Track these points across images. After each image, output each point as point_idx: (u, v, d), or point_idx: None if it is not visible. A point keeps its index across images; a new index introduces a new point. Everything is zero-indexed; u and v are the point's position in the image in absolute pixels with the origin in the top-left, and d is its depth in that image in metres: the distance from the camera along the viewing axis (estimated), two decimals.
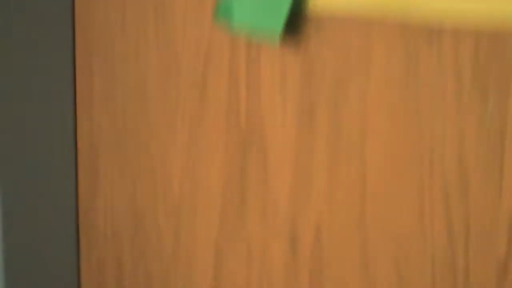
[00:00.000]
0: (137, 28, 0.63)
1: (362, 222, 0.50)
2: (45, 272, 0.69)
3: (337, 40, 0.50)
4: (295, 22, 0.52)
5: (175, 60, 0.61)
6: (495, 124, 0.44)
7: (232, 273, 0.59)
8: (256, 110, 0.56)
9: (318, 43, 0.51)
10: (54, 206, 0.69)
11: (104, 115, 0.68)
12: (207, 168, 0.60)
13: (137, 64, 0.64)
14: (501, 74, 0.43)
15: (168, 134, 0.63)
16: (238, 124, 0.58)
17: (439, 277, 0.46)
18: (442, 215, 0.46)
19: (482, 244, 0.44)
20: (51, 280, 0.70)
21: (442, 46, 0.45)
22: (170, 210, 0.64)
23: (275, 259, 0.56)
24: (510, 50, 0.43)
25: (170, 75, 0.62)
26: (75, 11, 0.68)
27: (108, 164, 0.68)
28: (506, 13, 0.42)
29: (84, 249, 0.70)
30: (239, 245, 0.58)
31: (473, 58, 0.44)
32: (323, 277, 0.53)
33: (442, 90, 0.45)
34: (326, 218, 0.52)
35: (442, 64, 0.45)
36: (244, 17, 0.54)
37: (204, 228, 0.61)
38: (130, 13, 0.64)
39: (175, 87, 0.61)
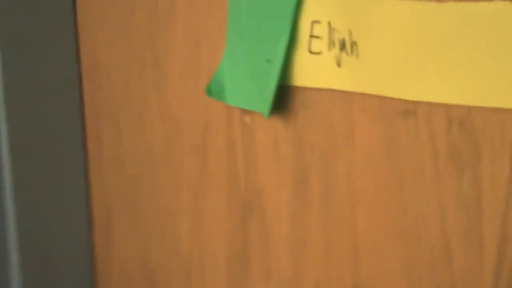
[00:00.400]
0: (140, 99, 0.66)
1: (356, 278, 0.52)
2: None
3: (322, 112, 0.53)
4: (284, 96, 0.54)
5: (177, 129, 0.64)
6: (472, 195, 0.45)
7: None
8: (253, 175, 0.59)
9: (305, 114, 0.54)
10: (69, 267, 0.73)
11: (114, 178, 0.71)
12: (212, 229, 0.63)
13: (142, 132, 0.67)
14: (473, 147, 0.45)
15: (175, 197, 0.66)
16: (238, 189, 0.60)
17: None
18: (429, 282, 0.48)
19: None
20: None
21: (418, 121, 0.47)
22: (180, 268, 0.67)
23: None
24: (479, 124, 0.44)
25: (173, 143, 0.64)
26: (83, 84, 0.71)
27: (121, 224, 0.71)
28: (475, 92, 0.44)
29: None
30: None
31: (446, 133, 0.46)
32: None
33: (420, 163, 0.47)
34: (324, 278, 0.55)
35: (419, 139, 0.47)
36: (235, 100, 0.57)
37: (213, 286, 0.64)
38: (132, 84, 0.67)
39: (179, 154, 0.64)
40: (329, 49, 0.51)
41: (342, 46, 0.50)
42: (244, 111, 0.58)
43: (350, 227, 0.53)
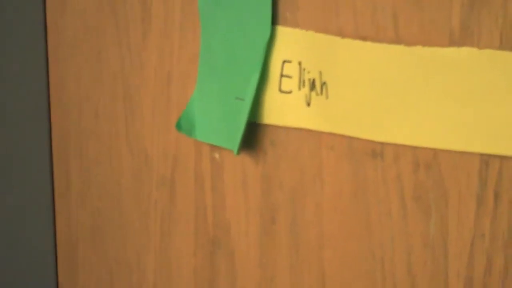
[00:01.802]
0: (109, 132, 0.66)
1: None
2: None
3: (291, 151, 0.53)
4: (253, 133, 0.55)
5: (146, 163, 0.64)
6: (438, 237, 0.46)
7: None
8: (221, 212, 0.59)
9: (274, 152, 0.54)
10: None
11: (81, 211, 0.70)
12: (178, 265, 0.63)
13: (111, 165, 0.67)
14: (440, 189, 0.45)
15: (142, 231, 0.65)
16: (206, 225, 0.60)
17: None
18: None
19: None
20: None
21: (384, 163, 0.47)
22: None
23: None
24: (445, 167, 0.45)
25: (142, 177, 0.64)
26: (51, 115, 0.71)
27: (86, 257, 0.71)
28: (442, 135, 0.45)
29: None
30: None
31: (413, 175, 0.46)
32: None
33: (387, 204, 0.48)
34: None
35: (386, 180, 0.48)
36: (205, 136, 0.57)
37: None
38: (102, 117, 0.66)
39: (147, 188, 0.64)
40: (299, 88, 0.51)
41: (312, 86, 0.50)
42: (214, 147, 0.58)
43: (317, 267, 0.53)
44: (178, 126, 0.59)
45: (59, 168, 0.71)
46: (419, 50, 0.44)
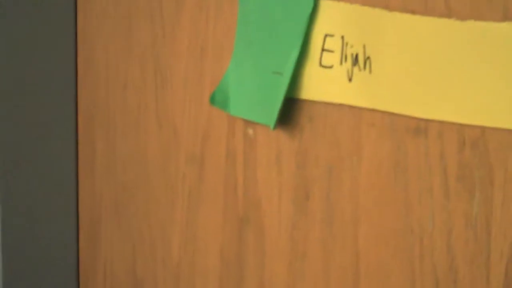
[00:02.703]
0: (138, 104, 0.65)
1: None
2: None
3: (329, 126, 0.52)
4: (289, 109, 0.54)
5: (175, 135, 0.63)
6: (482, 216, 0.45)
7: None
8: (252, 188, 0.58)
9: (311, 128, 0.53)
10: (54, 273, 0.71)
11: (105, 184, 0.70)
12: (205, 241, 0.62)
13: (138, 139, 0.66)
14: (485, 168, 0.45)
15: (168, 206, 0.65)
16: (236, 201, 0.59)
17: None
18: None
19: None
20: None
21: (428, 140, 0.47)
22: (169, 278, 0.65)
23: None
24: (493, 145, 0.44)
25: (170, 151, 0.63)
26: (78, 87, 0.70)
27: (109, 230, 0.70)
28: (491, 112, 0.44)
29: None
30: None
31: (458, 153, 0.46)
32: None
33: (429, 182, 0.47)
34: None
35: (428, 157, 0.47)
36: (239, 111, 0.56)
37: None
38: (130, 89, 0.66)
39: (175, 162, 0.63)
40: (341, 63, 0.50)
41: (355, 60, 0.49)
42: (247, 123, 0.57)
43: (351, 244, 0.52)
44: (212, 100, 0.58)
45: (84, 141, 0.70)
46: (471, 24, 0.43)
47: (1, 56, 0.65)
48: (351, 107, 0.51)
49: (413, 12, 0.46)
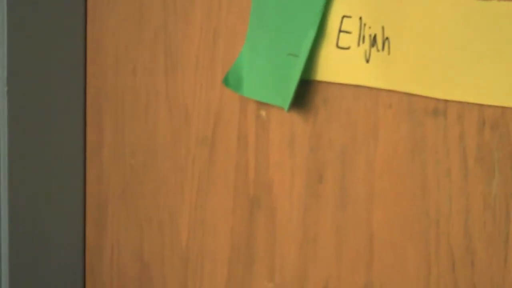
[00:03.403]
0: (147, 88, 0.65)
1: (368, 278, 0.52)
2: None
3: (345, 108, 0.52)
4: (304, 90, 0.54)
5: (185, 118, 0.62)
6: (500, 198, 0.45)
7: None
8: (264, 171, 0.58)
9: (325, 110, 0.53)
10: (60, 256, 0.71)
11: (113, 168, 0.69)
12: (215, 224, 0.62)
13: (147, 121, 0.65)
14: (505, 149, 0.45)
15: (177, 189, 0.64)
16: (246, 184, 0.59)
17: None
18: (448, 285, 0.48)
19: None
20: None
21: (447, 121, 0.47)
22: (177, 262, 0.65)
23: None
24: None
25: (180, 133, 0.63)
26: (87, 70, 0.69)
27: (116, 214, 0.70)
28: (509, 92, 0.44)
29: None
30: None
31: (478, 134, 0.46)
32: None
33: (447, 163, 0.47)
34: (334, 278, 0.54)
35: (447, 139, 0.47)
36: (253, 92, 0.56)
37: (211, 282, 0.62)
38: (140, 73, 0.65)
39: (185, 144, 0.63)
40: (359, 44, 0.50)
41: (373, 41, 0.49)
42: (260, 105, 0.57)
43: (365, 227, 0.52)
44: (226, 82, 0.58)
45: (92, 124, 0.70)
46: (494, 4, 0.43)
47: (11, 39, 0.64)
48: (367, 88, 0.51)
49: None
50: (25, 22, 0.65)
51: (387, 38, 0.48)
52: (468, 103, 0.46)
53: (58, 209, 0.69)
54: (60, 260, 0.70)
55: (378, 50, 0.49)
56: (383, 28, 0.48)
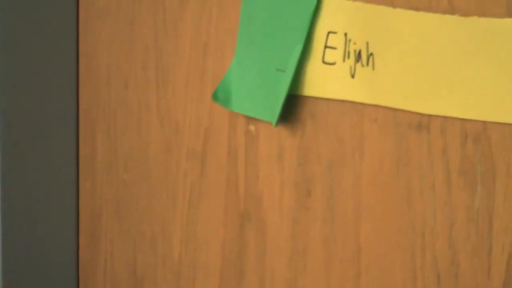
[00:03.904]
0: (139, 101, 0.65)
1: None
2: None
3: (331, 123, 0.53)
4: (291, 105, 0.54)
5: (176, 132, 0.63)
6: (483, 210, 0.46)
7: None
8: (254, 185, 0.59)
9: (313, 125, 0.54)
10: (54, 270, 0.71)
11: (105, 183, 0.70)
12: (206, 237, 0.62)
13: (139, 136, 0.66)
14: (487, 163, 0.45)
15: (169, 202, 0.65)
16: (237, 197, 0.60)
17: None
18: None
19: None
20: None
21: (430, 135, 0.47)
22: (169, 274, 0.66)
23: None
24: (495, 140, 0.45)
25: (171, 147, 0.64)
26: (79, 84, 0.70)
27: (109, 229, 0.70)
28: (492, 107, 0.44)
29: None
30: None
31: (460, 148, 0.46)
32: None
33: (431, 177, 0.48)
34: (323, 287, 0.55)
35: (431, 153, 0.48)
36: (242, 107, 0.56)
37: None
38: (132, 87, 0.66)
39: (176, 158, 0.64)
40: (344, 60, 0.51)
41: (358, 57, 0.50)
42: (249, 120, 0.58)
43: (353, 240, 0.53)
44: (215, 97, 0.58)
45: (85, 138, 0.71)
46: (474, 21, 0.44)
47: (2, 55, 0.65)
48: (353, 103, 0.51)
49: (416, 8, 0.47)
50: (17, 37, 0.66)
51: (371, 54, 0.49)
52: (451, 117, 0.46)
53: (51, 223, 0.70)
54: (54, 273, 0.70)
55: (363, 66, 0.50)
56: (367, 44, 0.49)
